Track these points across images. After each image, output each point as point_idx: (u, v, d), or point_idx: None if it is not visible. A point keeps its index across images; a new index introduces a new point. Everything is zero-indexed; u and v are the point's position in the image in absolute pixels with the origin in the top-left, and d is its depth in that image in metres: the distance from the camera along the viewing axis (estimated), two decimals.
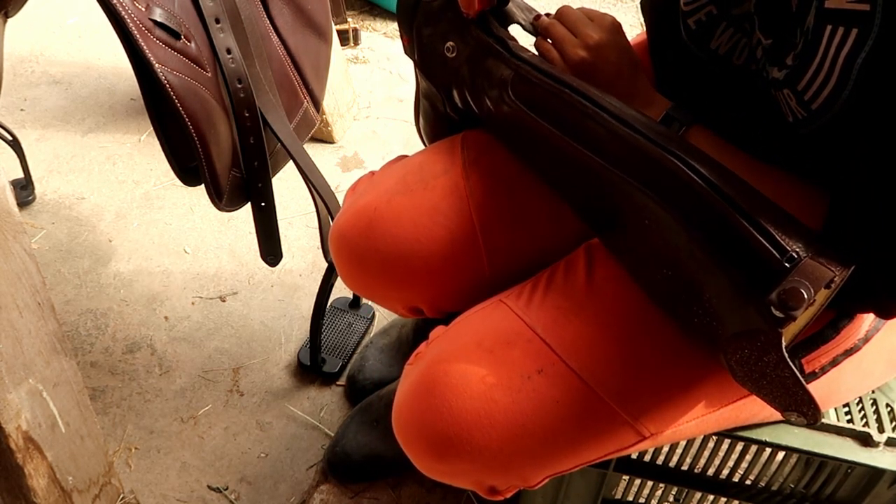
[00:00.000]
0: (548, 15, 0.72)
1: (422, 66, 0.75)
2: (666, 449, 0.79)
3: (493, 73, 0.66)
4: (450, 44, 0.69)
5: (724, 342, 0.52)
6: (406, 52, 0.77)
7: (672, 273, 0.54)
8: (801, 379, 0.48)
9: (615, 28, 0.68)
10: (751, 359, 0.50)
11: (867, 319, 0.62)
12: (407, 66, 1.87)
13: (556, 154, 0.62)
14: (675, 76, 0.70)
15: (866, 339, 0.63)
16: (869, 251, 0.50)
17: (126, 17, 0.79)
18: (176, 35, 0.83)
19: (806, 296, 0.45)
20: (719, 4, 0.61)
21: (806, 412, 0.51)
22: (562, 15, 0.70)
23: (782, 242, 0.46)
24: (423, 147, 0.84)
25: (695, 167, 0.51)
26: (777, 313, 0.45)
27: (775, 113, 0.56)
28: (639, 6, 2.17)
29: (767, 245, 0.47)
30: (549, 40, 0.70)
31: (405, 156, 0.80)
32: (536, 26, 0.72)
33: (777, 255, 0.46)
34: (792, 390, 0.49)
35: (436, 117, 0.80)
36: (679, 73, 0.69)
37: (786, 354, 0.47)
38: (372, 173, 0.80)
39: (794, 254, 0.46)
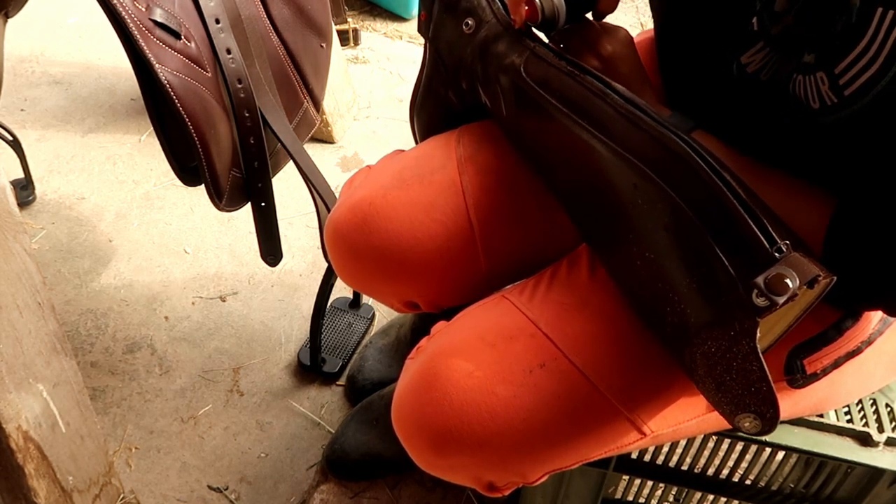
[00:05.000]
0: None
1: (434, 41, 0.75)
2: (666, 449, 0.79)
3: (504, 57, 0.67)
4: (469, 20, 0.70)
5: (694, 332, 0.52)
6: (420, 30, 0.77)
7: (654, 257, 0.54)
8: (768, 374, 0.48)
9: (628, 41, 0.70)
10: (718, 351, 0.50)
11: (871, 322, 0.62)
12: (406, 67, 1.87)
13: (559, 138, 0.62)
14: (684, 76, 0.70)
15: (869, 342, 0.63)
16: (880, 247, 0.50)
17: (126, 17, 0.79)
18: (176, 35, 0.83)
19: (791, 285, 0.45)
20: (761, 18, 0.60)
21: (764, 412, 0.50)
22: (577, 24, 0.71)
23: (774, 235, 0.47)
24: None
25: (697, 149, 0.52)
26: (759, 301, 0.46)
27: (794, 104, 0.56)
28: (638, 6, 2.17)
29: (759, 234, 0.47)
30: (562, 46, 0.71)
31: (402, 150, 0.80)
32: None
33: (767, 245, 0.46)
34: (755, 386, 0.49)
35: (436, 106, 0.80)
36: (692, 73, 0.69)
37: (758, 346, 0.47)
38: (369, 167, 0.80)
39: (783, 246, 0.46)
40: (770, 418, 0.50)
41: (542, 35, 0.69)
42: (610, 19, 0.72)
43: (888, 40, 0.47)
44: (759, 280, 0.46)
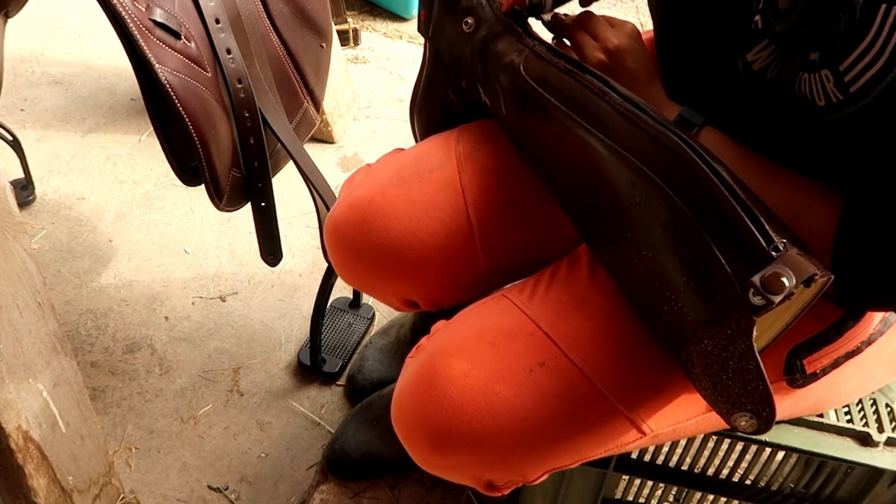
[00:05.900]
0: (566, 16, 0.73)
1: (434, 40, 0.75)
2: (666, 449, 0.79)
3: (503, 56, 0.67)
4: (469, 19, 0.70)
5: (691, 331, 0.52)
6: (419, 29, 0.77)
7: (652, 255, 0.54)
8: (764, 373, 0.48)
9: (634, 35, 0.70)
10: (715, 349, 0.50)
11: (872, 322, 0.62)
12: (407, 67, 1.87)
13: (558, 137, 0.62)
14: (686, 76, 0.70)
15: (869, 342, 0.63)
16: (889, 246, 0.50)
17: (126, 17, 0.79)
18: (176, 35, 0.83)
19: (787, 284, 0.45)
20: (765, 16, 0.60)
21: (760, 411, 0.50)
22: (583, 18, 0.71)
23: (771, 233, 0.47)
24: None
25: (695, 148, 0.52)
26: (755, 299, 0.46)
27: (800, 102, 0.56)
28: (638, 6, 2.16)
29: (756, 233, 0.47)
30: (567, 41, 0.71)
31: (402, 149, 0.80)
32: (556, 25, 0.74)
33: (764, 244, 0.47)
34: (751, 385, 0.49)
35: (436, 105, 0.80)
36: (694, 72, 0.69)
37: (754, 344, 0.47)
38: (368, 166, 0.80)
39: (780, 245, 0.46)
40: (766, 417, 0.50)
41: (543, 35, 0.69)
42: None
43: (892, 36, 0.47)
44: (756, 279, 0.46)
